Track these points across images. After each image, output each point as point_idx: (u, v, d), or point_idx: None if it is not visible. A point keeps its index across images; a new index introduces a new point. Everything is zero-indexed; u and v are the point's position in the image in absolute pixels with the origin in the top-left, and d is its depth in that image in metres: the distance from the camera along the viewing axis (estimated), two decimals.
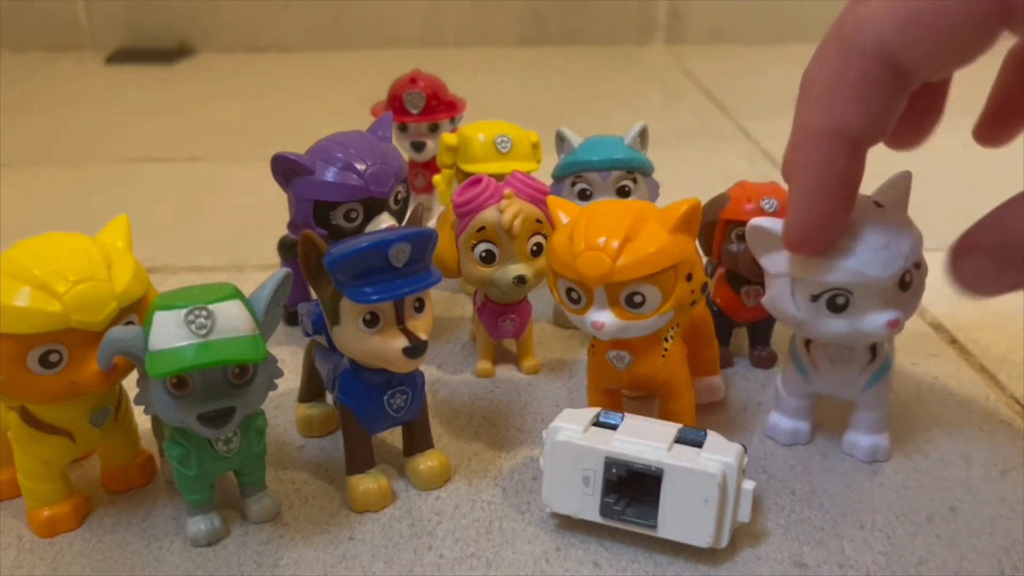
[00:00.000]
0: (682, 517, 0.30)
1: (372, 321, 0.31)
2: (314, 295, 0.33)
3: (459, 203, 0.39)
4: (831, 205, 0.28)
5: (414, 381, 0.34)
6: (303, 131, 0.45)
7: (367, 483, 0.34)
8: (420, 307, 0.32)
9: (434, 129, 0.57)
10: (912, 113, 0.28)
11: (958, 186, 0.70)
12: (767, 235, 0.33)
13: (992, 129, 0.32)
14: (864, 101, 0.26)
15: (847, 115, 0.26)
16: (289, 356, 0.46)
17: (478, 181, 0.39)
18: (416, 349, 0.31)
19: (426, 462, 0.35)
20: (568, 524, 0.33)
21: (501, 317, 0.42)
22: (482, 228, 0.39)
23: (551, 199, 0.35)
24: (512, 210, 0.38)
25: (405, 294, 0.31)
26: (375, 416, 0.34)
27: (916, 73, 0.26)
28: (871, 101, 0.26)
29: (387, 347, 0.31)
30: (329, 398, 0.39)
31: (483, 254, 0.39)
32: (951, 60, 0.25)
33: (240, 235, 0.62)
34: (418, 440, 0.36)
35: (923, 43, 0.25)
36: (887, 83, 0.26)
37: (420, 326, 0.32)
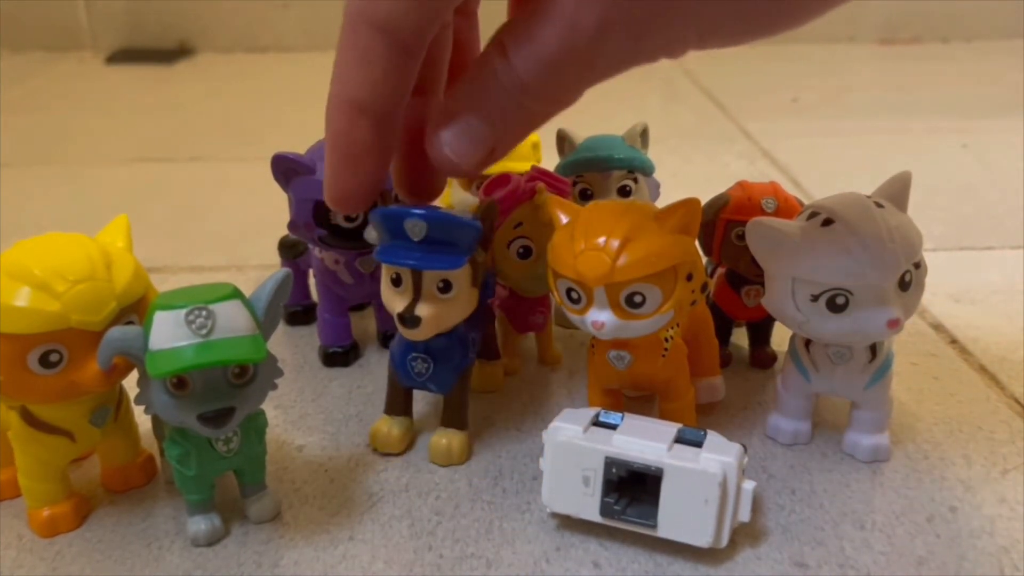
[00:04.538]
0: (682, 517, 0.30)
1: (396, 281, 0.34)
2: None
3: None
4: (352, 169, 0.29)
5: (438, 354, 0.36)
6: (303, 131, 0.45)
7: (381, 425, 0.37)
8: (445, 288, 0.33)
9: None
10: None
11: (958, 186, 0.70)
12: (768, 235, 0.33)
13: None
14: (365, 71, 0.28)
15: (352, 85, 0.28)
16: (289, 356, 0.46)
17: (506, 180, 0.39)
18: (404, 319, 0.33)
19: (441, 439, 0.37)
20: (568, 524, 0.33)
21: (531, 311, 0.42)
22: (519, 224, 0.39)
23: (551, 198, 0.35)
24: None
25: (392, 263, 0.33)
26: (401, 371, 0.37)
27: (403, 36, 0.27)
28: (371, 70, 0.28)
29: (392, 308, 0.34)
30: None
31: (520, 250, 0.39)
32: (425, 13, 0.27)
33: (240, 235, 0.62)
34: (445, 415, 0.37)
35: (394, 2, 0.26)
36: (381, 51, 0.27)
37: (437, 304, 0.33)
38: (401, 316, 0.33)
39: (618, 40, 0.25)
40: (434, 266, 0.33)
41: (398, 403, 0.38)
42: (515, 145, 0.29)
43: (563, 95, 0.27)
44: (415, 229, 0.32)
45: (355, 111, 0.28)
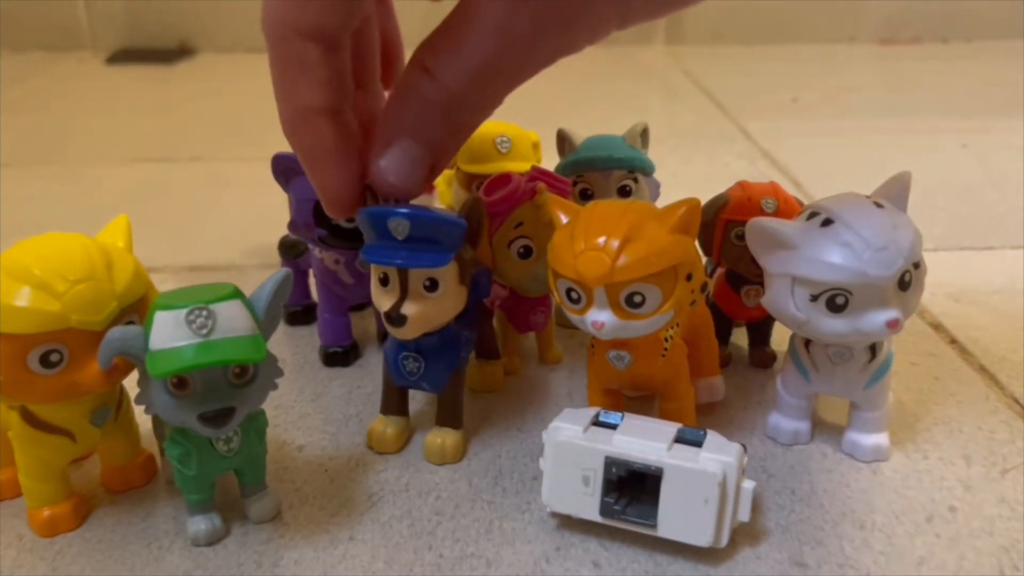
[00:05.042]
0: (682, 517, 0.30)
1: (384, 281, 0.34)
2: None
3: (491, 203, 0.39)
4: (334, 169, 0.31)
5: (429, 352, 0.36)
6: None
7: (377, 425, 0.38)
8: (432, 286, 0.33)
9: None
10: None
11: (958, 186, 0.70)
12: (767, 235, 0.33)
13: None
14: (309, 77, 0.28)
15: (301, 94, 0.29)
16: (289, 356, 0.46)
17: (506, 179, 0.39)
18: (390, 317, 0.33)
19: (435, 437, 0.37)
20: (568, 524, 0.33)
21: (532, 311, 0.42)
22: (519, 224, 0.39)
23: (551, 198, 0.35)
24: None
25: (377, 262, 0.33)
26: (394, 370, 0.37)
27: (332, 35, 0.28)
28: (314, 74, 0.28)
29: (380, 307, 0.34)
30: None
31: (521, 250, 0.39)
32: (345, 10, 0.28)
33: (240, 235, 0.62)
34: (439, 414, 0.38)
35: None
36: (317, 54, 0.28)
37: (424, 303, 0.33)
38: (387, 315, 0.33)
39: (550, 37, 0.26)
40: (418, 264, 0.33)
41: (393, 403, 0.38)
42: (452, 158, 0.30)
43: (492, 101, 0.28)
44: (398, 228, 0.32)
45: (312, 116, 0.29)
